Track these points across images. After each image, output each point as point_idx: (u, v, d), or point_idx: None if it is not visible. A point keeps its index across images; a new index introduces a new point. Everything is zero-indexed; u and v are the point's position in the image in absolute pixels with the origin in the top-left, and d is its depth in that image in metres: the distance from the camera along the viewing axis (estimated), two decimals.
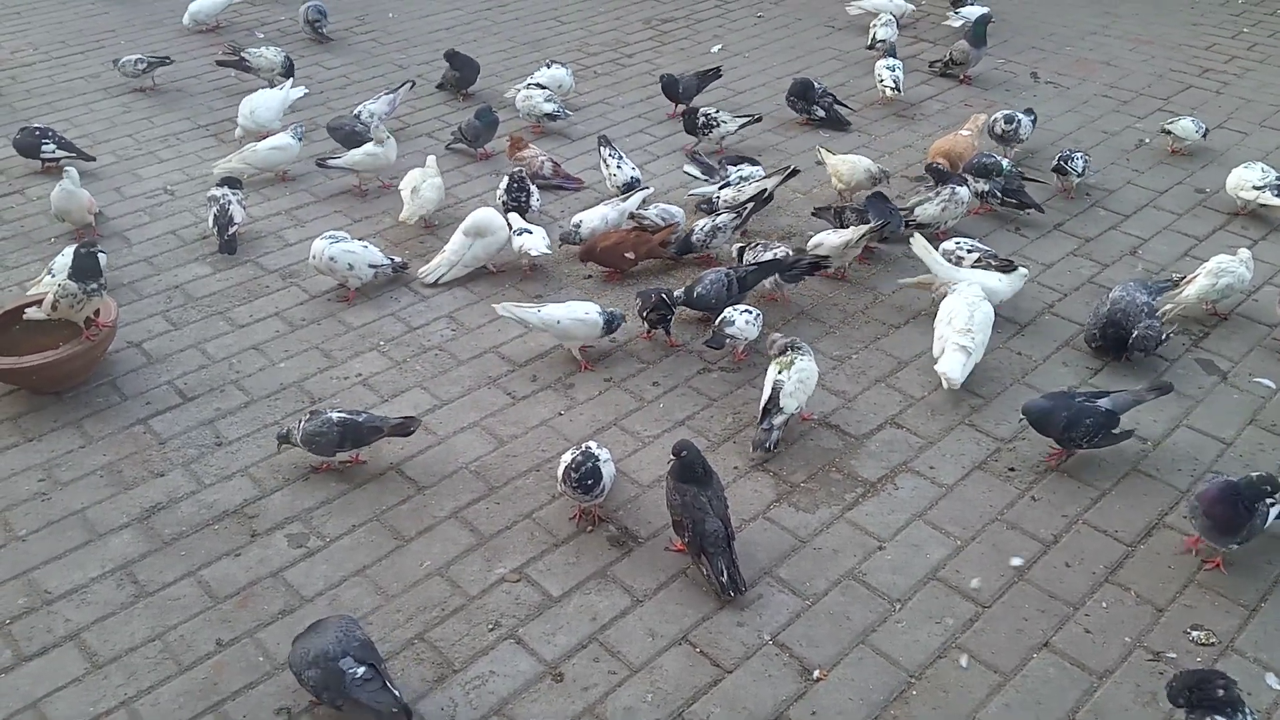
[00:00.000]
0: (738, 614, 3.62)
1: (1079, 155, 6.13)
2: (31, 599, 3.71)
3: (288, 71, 7.50)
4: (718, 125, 6.61)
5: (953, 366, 4.52)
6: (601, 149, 6.17)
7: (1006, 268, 5.11)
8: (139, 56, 7.69)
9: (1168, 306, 4.99)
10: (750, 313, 4.77)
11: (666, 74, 7.20)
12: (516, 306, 4.79)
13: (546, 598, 3.70)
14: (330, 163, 6.23)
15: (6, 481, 4.23)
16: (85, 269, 4.60)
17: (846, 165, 5.96)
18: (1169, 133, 6.61)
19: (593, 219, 5.58)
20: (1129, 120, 7.11)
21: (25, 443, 4.43)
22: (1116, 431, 4.15)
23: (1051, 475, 4.19)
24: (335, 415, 4.11)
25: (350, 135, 6.57)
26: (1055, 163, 6.11)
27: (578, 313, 4.73)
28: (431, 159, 5.99)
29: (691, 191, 6.09)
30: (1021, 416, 4.19)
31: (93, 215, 5.86)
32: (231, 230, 5.65)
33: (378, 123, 6.11)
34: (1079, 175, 6.07)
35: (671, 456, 3.75)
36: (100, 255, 4.72)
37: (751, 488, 4.16)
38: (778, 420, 4.26)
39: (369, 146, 6.21)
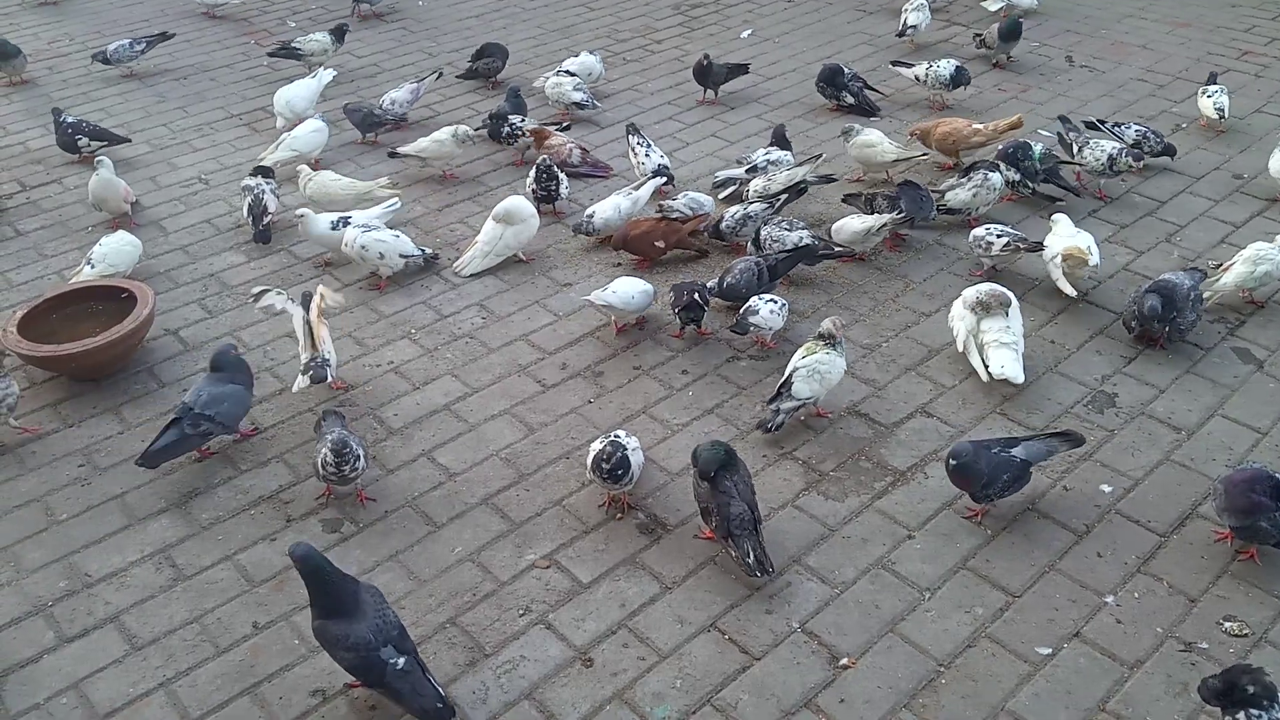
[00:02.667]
0: (766, 602, 3.63)
1: (1134, 125, 6.21)
2: (72, 581, 3.80)
3: (340, 37, 7.73)
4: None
5: (1012, 368, 4.43)
6: (630, 137, 6.17)
7: (1036, 249, 5.12)
8: (134, 39, 7.82)
9: (1205, 295, 4.93)
10: (775, 302, 4.76)
11: (705, 57, 7.10)
12: (601, 291, 4.86)
13: (576, 584, 3.73)
14: (400, 150, 6.28)
15: (47, 466, 4.32)
16: None
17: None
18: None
19: (605, 209, 5.56)
20: (1165, 104, 7.00)
21: (65, 428, 4.51)
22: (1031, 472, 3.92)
23: (1084, 465, 4.16)
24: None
25: (367, 118, 6.68)
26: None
27: (639, 287, 4.86)
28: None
29: (718, 174, 6.10)
30: (947, 460, 3.84)
31: (129, 204, 5.94)
32: (266, 220, 5.72)
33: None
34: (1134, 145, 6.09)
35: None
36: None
37: (781, 476, 4.17)
38: (785, 405, 4.25)
39: (438, 134, 6.25)
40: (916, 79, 7.02)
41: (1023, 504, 3.97)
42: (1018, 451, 3.88)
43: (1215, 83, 6.71)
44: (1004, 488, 3.83)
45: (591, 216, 5.55)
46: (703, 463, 3.70)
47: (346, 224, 5.34)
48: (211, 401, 4.17)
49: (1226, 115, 6.52)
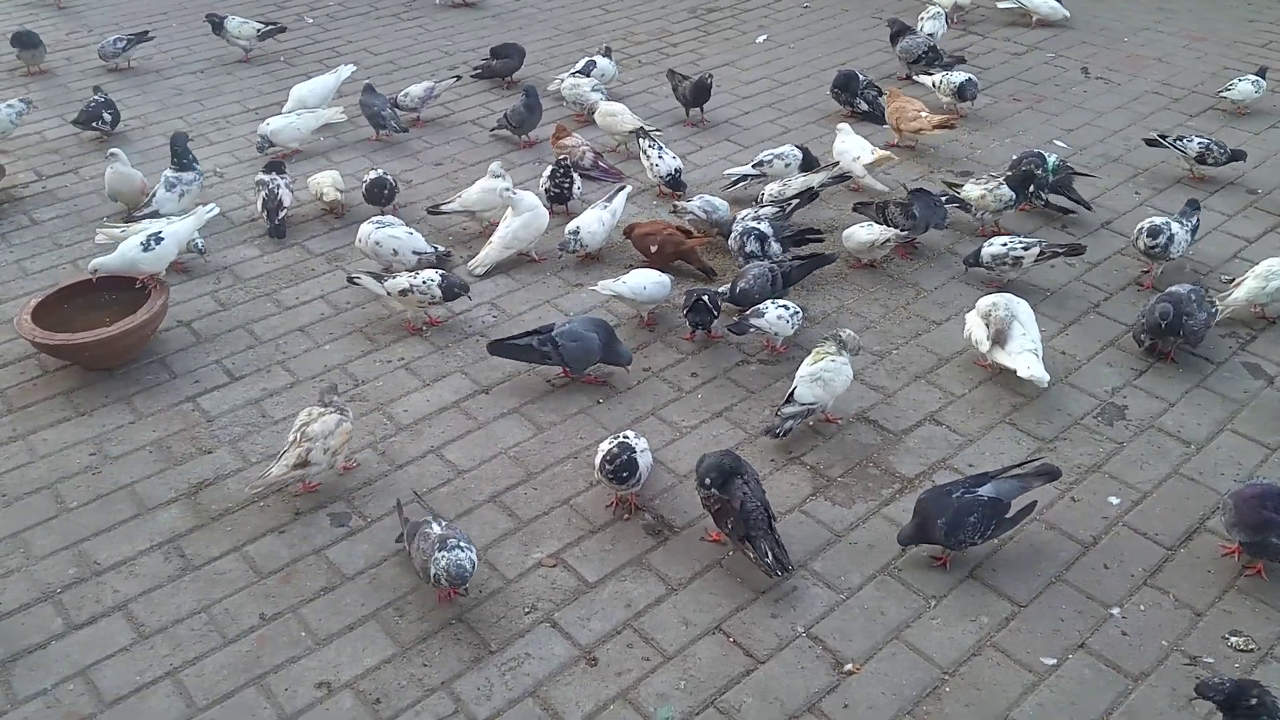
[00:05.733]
0: (772, 605, 3.64)
1: (1196, 137, 6.19)
2: (81, 569, 3.82)
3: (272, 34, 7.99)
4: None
5: (1036, 370, 4.43)
6: (641, 140, 6.18)
7: (1075, 250, 5.26)
8: (117, 36, 7.92)
9: (1217, 308, 4.92)
10: (787, 309, 4.75)
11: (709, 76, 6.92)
12: (612, 281, 4.95)
13: (582, 583, 3.74)
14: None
15: (58, 455, 4.34)
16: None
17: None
18: (1225, 97, 6.95)
19: (591, 225, 5.41)
20: (1180, 118, 7.00)
21: (77, 417, 4.54)
22: (1010, 517, 3.74)
23: (1092, 476, 4.16)
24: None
25: (375, 116, 6.73)
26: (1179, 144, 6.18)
27: (652, 278, 4.96)
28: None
29: (727, 173, 6.12)
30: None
31: (145, 196, 5.96)
32: (281, 215, 5.75)
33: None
34: (1198, 158, 6.13)
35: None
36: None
37: (788, 481, 4.17)
38: (787, 410, 4.25)
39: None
40: (933, 86, 7.03)
41: (1031, 514, 3.96)
42: (985, 490, 3.71)
43: (1264, 76, 6.96)
44: (976, 529, 3.64)
45: (578, 233, 5.37)
46: (715, 475, 3.69)
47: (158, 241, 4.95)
48: (570, 335, 4.49)
49: (1245, 101, 6.90)
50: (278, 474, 3.96)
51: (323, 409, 4.08)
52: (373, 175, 5.82)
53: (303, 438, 3.97)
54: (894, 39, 7.64)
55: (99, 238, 5.41)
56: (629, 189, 5.79)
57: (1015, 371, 4.48)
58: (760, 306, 4.75)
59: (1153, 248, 5.09)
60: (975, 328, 4.68)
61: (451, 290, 4.88)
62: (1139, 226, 5.17)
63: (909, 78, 7.46)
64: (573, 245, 5.39)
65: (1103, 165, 6.41)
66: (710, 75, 6.90)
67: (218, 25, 7.93)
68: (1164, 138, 6.22)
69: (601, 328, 4.61)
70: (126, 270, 4.84)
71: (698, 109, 7.00)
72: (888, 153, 6.15)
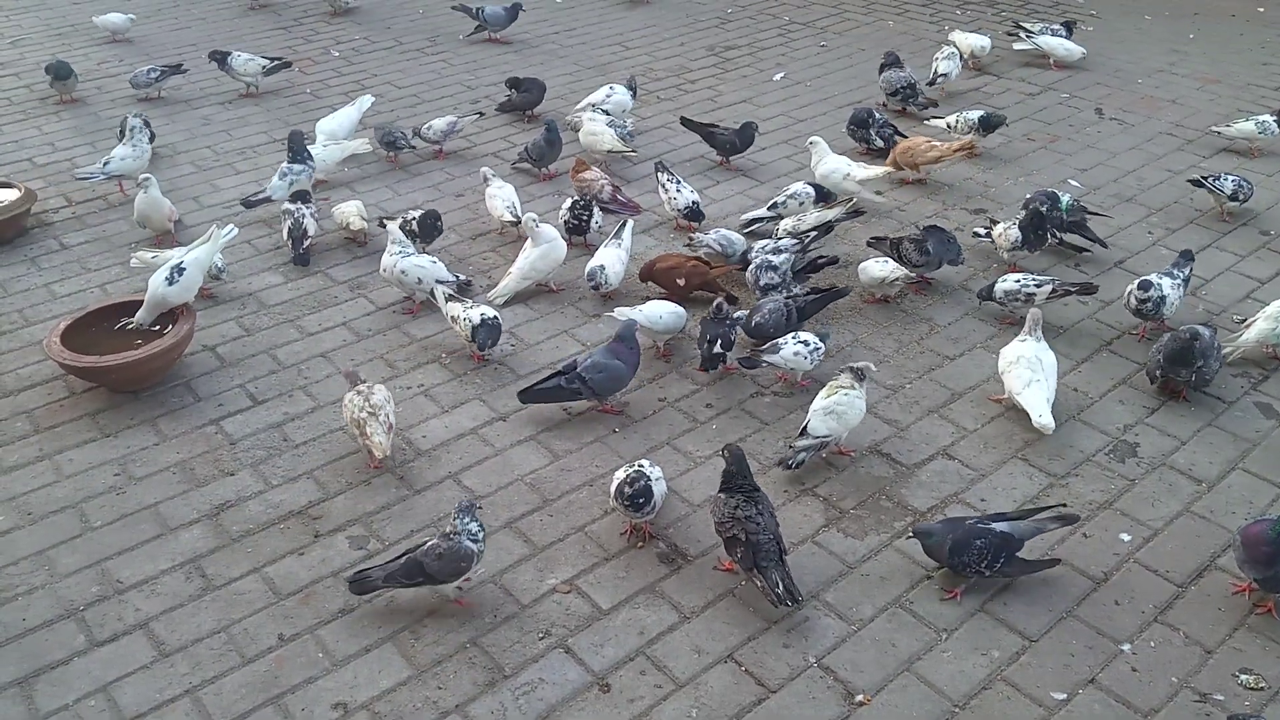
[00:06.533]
0: (784, 635, 3.67)
1: (1229, 176, 6.25)
2: (104, 587, 3.88)
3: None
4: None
5: (1046, 419, 4.46)
6: (659, 174, 6.29)
7: (1087, 289, 5.29)
8: (151, 66, 8.12)
9: (1227, 349, 4.96)
10: (806, 345, 4.77)
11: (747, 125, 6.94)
12: (629, 310, 5.06)
13: (596, 610, 3.78)
14: (496, 300, 5.54)
15: (84, 474, 4.42)
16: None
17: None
18: (1219, 133, 7.15)
19: (613, 263, 5.47)
20: (1193, 159, 7.06)
21: (102, 438, 4.63)
22: (1023, 557, 3.81)
23: (1104, 512, 4.19)
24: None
25: (392, 144, 6.95)
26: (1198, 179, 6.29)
27: (669, 308, 5.09)
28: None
29: (743, 218, 6.21)
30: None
31: (172, 223, 6.09)
32: (306, 243, 5.86)
33: (533, 220, 5.57)
34: (1230, 196, 6.17)
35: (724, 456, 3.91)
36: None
37: (801, 512, 4.21)
38: (800, 442, 4.30)
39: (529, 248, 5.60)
40: (948, 126, 7.12)
41: (1041, 548, 3.99)
42: (1000, 525, 3.80)
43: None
44: (982, 555, 3.71)
45: (604, 268, 5.43)
46: (738, 459, 3.85)
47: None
48: (595, 368, 4.62)
49: (1247, 138, 7.04)
50: (379, 441, 4.27)
51: (361, 388, 4.42)
52: (418, 213, 5.91)
53: (372, 411, 4.33)
54: (881, 69, 7.84)
55: (133, 262, 5.57)
56: (632, 222, 5.88)
57: (1029, 414, 4.51)
58: (778, 341, 4.81)
59: (1144, 301, 5.01)
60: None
61: (477, 336, 4.94)
62: (1129, 288, 5.09)
63: (885, 105, 7.75)
64: (600, 278, 5.43)
65: (1116, 205, 6.47)
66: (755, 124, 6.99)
67: (222, 60, 8.08)
68: (1205, 179, 6.28)
69: (619, 348, 4.70)
70: (158, 307, 4.94)
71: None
72: (888, 167, 6.51)
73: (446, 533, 3.74)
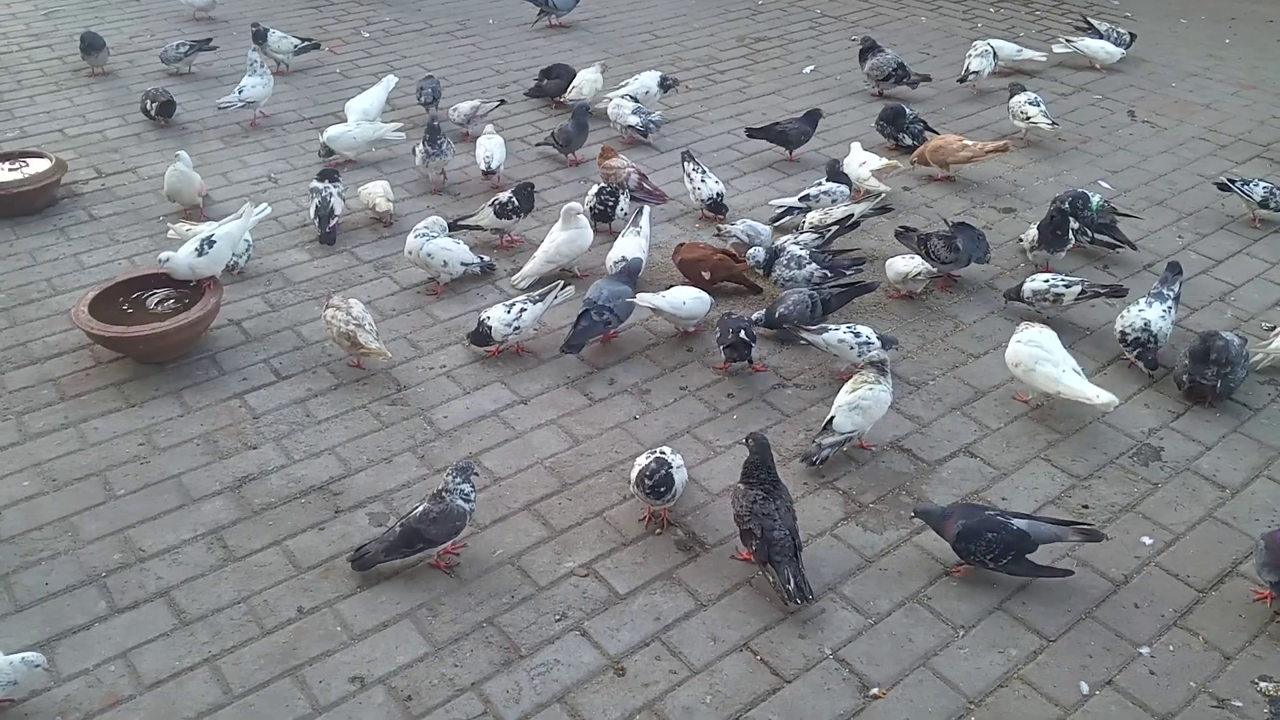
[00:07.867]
0: (800, 626, 3.67)
1: (1261, 182, 6.18)
2: (126, 555, 3.92)
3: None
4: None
5: (1100, 394, 4.45)
6: (685, 164, 6.27)
7: (1117, 291, 5.19)
8: (180, 41, 8.18)
9: (1257, 356, 4.92)
10: (857, 335, 4.72)
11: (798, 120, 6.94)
12: (652, 296, 5.10)
13: (613, 594, 3.79)
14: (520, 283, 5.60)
15: (108, 443, 4.46)
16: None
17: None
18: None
19: (634, 251, 5.43)
20: (1226, 165, 6.98)
21: (128, 408, 4.66)
22: (1033, 560, 3.76)
23: (1126, 515, 4.16)
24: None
25: (433, 139, 6.80)
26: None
27: (693, 294, 5.12)
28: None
29: (773, 203, 6.19)
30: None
31: (201, 198, 6.13)
32: (333, 222, 5.89)
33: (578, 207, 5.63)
34: (1261, 203, 6.11)
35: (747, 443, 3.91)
36: None
37: (820, 505, 4.21)
38: (826, 440, 4.29)
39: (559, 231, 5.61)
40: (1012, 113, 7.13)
41: (1063, 550, 3.97)
42: (1019, 523, 3.78)
43: None
44: (990, 548, 3.70)
45: (627, 258, 5.40)
46: (763, 447, 3.84)
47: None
48: (612, 296, 4.99)
49: None
50: (377, 348, 4.71)
51: (336, 301, 4.80)
52: (504, 195, 5.88)
53: (358, 323, 4.73)
54: (862, 57, 7.81)
55: (170, 234, 5.70)
56: (649, 209, 5.85)
57: (1085, 403, 4.49)
58: (827, 323, 4.82)
59: (1124, 334, 4.87)
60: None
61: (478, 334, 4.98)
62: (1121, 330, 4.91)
63: (880, 94, 7.78)
64: (634, 265, 5.39)
65: (1147, 208, 6.41)
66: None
67: (261, 36, 8.11)
68: (1233, 182, 6.22)
69: (619, 276, 5.19)
70: (188, 276, 4.98)
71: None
72: (895, 162, 6.47)
73: (438, 492, 3.80)
